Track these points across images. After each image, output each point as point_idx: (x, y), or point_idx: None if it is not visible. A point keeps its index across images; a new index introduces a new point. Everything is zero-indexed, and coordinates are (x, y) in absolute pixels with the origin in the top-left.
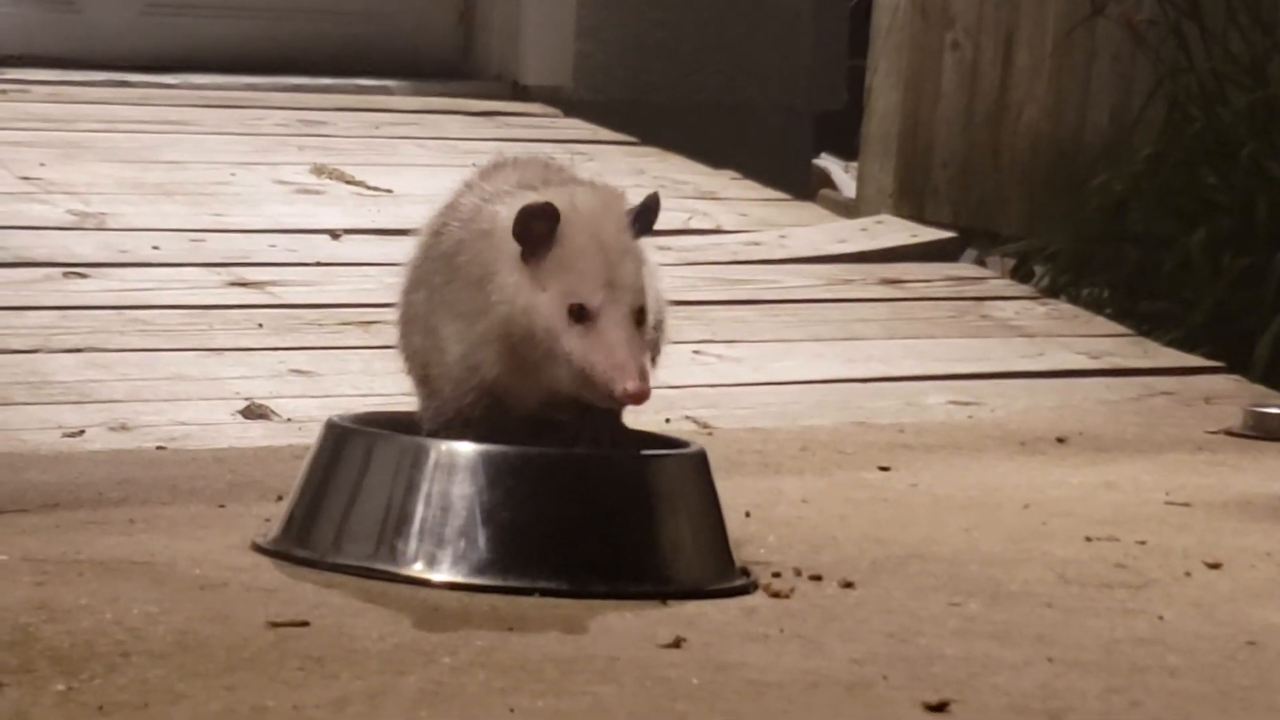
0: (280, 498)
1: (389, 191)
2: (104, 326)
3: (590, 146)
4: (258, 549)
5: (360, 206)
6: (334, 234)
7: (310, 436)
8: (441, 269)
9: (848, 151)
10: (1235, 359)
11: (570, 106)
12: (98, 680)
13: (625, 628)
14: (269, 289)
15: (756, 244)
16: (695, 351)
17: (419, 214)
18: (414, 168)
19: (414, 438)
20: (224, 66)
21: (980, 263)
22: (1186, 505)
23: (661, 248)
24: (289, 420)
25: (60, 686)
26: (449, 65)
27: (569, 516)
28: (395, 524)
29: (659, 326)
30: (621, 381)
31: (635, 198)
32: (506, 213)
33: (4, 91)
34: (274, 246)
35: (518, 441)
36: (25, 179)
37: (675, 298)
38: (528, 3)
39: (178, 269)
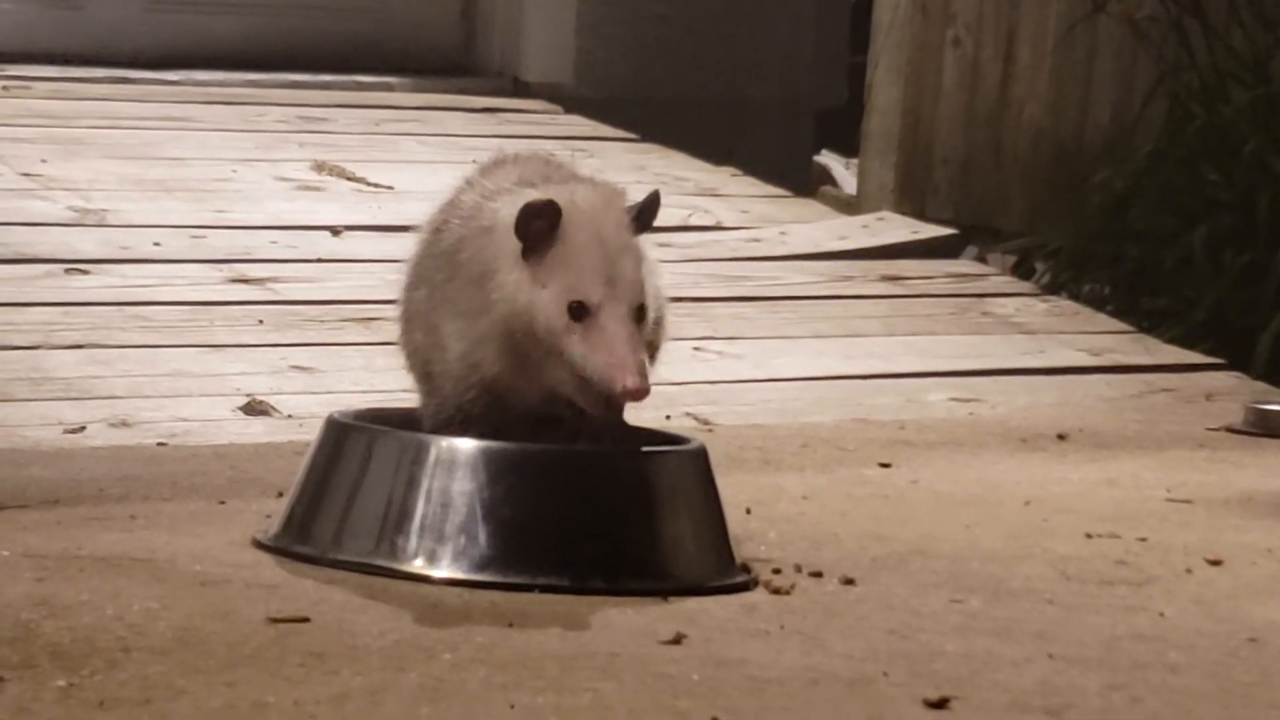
0: (281, 494)
1: (390, 188)
2: (105, 323)
3: (591, 143)
4: (258, 545)
5: (361, 203)
6: (335, 230)
7: (311, 433)
8: (442, 266)
9: (849, 148)
10: (1236, 356)
11: (571, 103)
12: (99, 676)
13: (626, 624)
14: (270, 285)
15: (757, 241)
16: (696, 348)
17: (420, 211)
18: (415, 164)
19: (415, 434)
20: (225, 63)
21: (981, 260)
22: (1187, 502)
23: (662, 244)
24: (290, 417)
25: (61, 682)
26: (450, 62)
27: (569, 513)
28: (396, 520)
29: (659, 323)
30: (621, 380)
31: (636, 194)
32: (507, 210)
33: (6, 88)
34: (275, 243)
35: (518, 438)
36: (26, 175)
37: (676, 294)
38: None
39: (179, 265)
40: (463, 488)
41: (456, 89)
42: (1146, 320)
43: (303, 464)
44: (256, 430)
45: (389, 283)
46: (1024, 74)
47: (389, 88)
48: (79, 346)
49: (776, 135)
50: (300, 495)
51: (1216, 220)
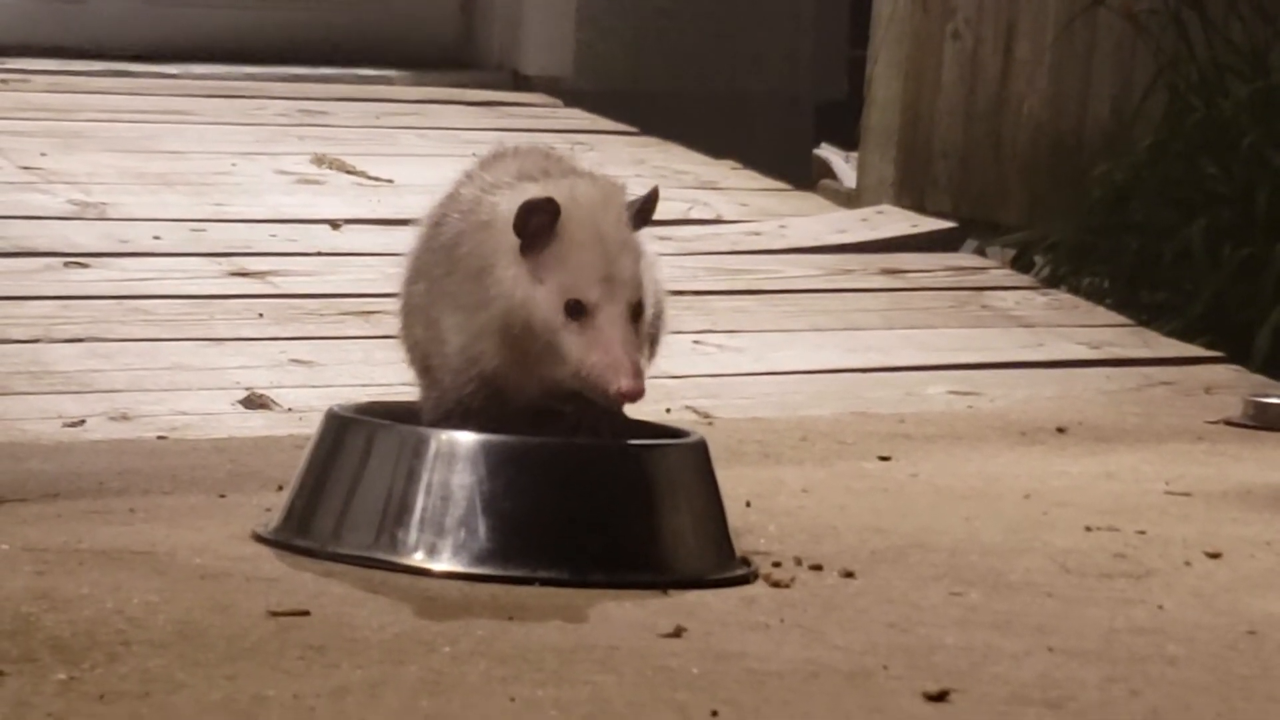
0: (281, 487)
1: (389, 181)
2: (105, 316)
3: (591, 136)
4: (258, 538)
5: (361, 196)
6: (334, 224)
7: (311, 426)
8: (441, 260)
9: (848, 142)
10: (1235, 349)
11: (571, 96)
12: (99, 669)
13: (625, 617)
14: (270, 279)
15: (757, 234)
16: (695, 341)
17: (419, 204)
18: (414, 158)
19: (414, 427)
20: (225, 56)
21: (980, 253)
22: (1186, 495)
23: (662, 238)
24: (289, 410)
25: (61, 675)
26: (449, 55)
27: (569, 506)
28: (396, 514)
29: (658, 317)
30: (616, 380)
31: (635, 187)
32: (506, 205)
33: (5, 81)
34: (275, 236)
35: (518, 431)
36: (26, 169)
37: (675, 288)
38: None
39: (178, 259)
40: (462, 481)
41: (456, 82)
42: (1146, 314)
43: (303, 457)
44: (256, 424)
45: (389, 276)
46: (1023, 68)
47: (388, 81)
48: (79, 340)
49: (776, 129)
50: (300, 489)
51: (1216, 213)
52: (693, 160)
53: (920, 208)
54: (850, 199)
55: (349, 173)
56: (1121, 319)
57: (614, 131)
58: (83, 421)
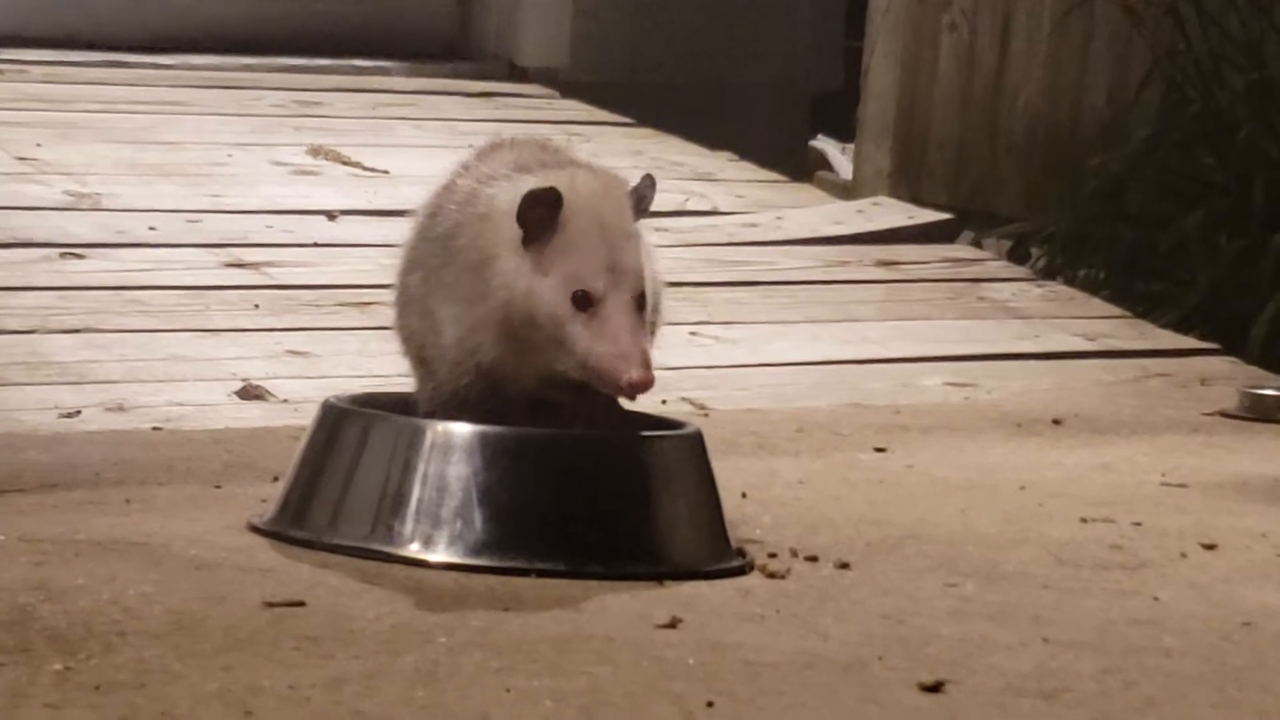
0: (276, 478)
1: (386, 172)
2: (101, 307)
3: (587, 127)
4: (254, 529)
5: (357, 187)
6: (331, 215)
7: (306, 417)
8: (438, 252)
9: (844, 133)
10: (1231, 340)
11: (567, 87)
12: (95, 660)
13: (621, 608)
14: (266, 270)
15: (753, 225)
16: (692, 333)
17: (416, 195)
18: (411, 149)
19: (410, 418)
20: (221, 47)
21: (976, 244)
22: (1182, 486)
23: (658, 229)
24: (285, 401)
25: (57, 666)
26: (446, 46)
27: (565, 497)
28: (391, 505)
29: (655, 309)
30: (627, 371)
31: (632, 179)
32: (505, 196)
33: (1, 72)
34: (271, 227)
35: (514, 422)
36: (22, 159)
37: (671, 279)
38: None
39: (174, 250)
40: (459, 472)
41: (452, 73)
42: (1142, 305)
43: (298, 448)
44: (252, 415)
45: (385, 267)
46: (1020, 59)
47: (385, 72)
48: (75, 331)
49: (772, 120)
50: (296, 480)
51: (1212, 205)
52: (689, 152)
53: (916, 199)
54: (846, 190)
55: (345, 164)
56: (1117, 310)
57: (610, 123)
58: (79, 412)
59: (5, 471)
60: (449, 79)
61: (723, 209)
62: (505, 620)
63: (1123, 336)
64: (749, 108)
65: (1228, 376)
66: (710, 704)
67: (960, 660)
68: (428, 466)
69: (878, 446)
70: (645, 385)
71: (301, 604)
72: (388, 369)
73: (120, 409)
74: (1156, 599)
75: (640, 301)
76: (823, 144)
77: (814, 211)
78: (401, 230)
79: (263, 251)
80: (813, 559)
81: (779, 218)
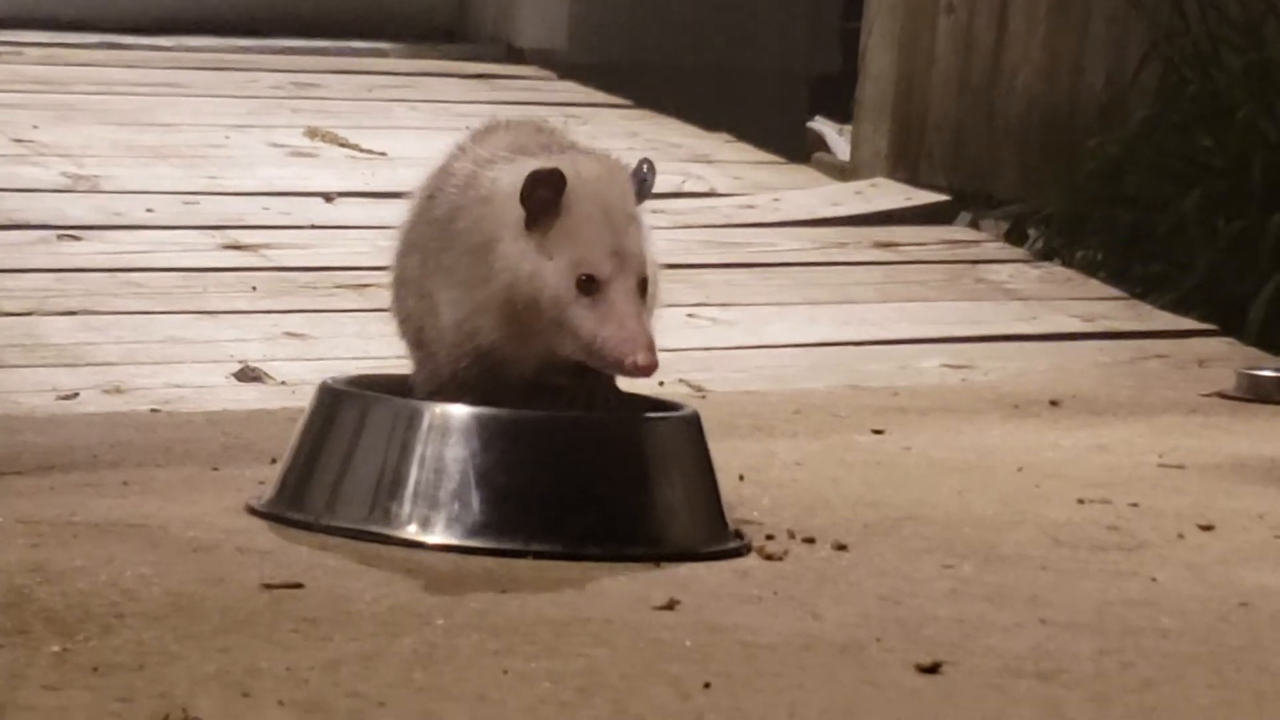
0: (274, 460)
1: (383, 154)
2: (98, 289)
3: (584, 109)
4: (251, 511)
5: (354, 169)
6: (328, 197)
7: (304, 399)
8: (437, 235)
9: (842, 115)
10: (1229, 322)
11: (564, 69)
12: (93, 642)
13: (619, 590)
14: (263, 252)
15: (750, 207)
16: (689, 314)
17: (413, 177)
18: (408, 131)
19: (408, 400)
20: (218, 29)
21: (974, 226)
22: (1179, 468)
23: (655, 211)
24: (283, 383)
25: (55, 648)
26: (443, 28)
27: (563, 479)
28: (389, 487)
29: (652, 293)
30: (632, 354)
31: (629, 161)
32: (507, 179)
33: None
34: (268, 209)
35: (512, 404)
36: (19, 141)
37: (669, 261)
38: None
39: (172, 232)
40: (456, 454)
41: (450, 55)
42: (1139, 286)
43: (296, 430)
44: (250, 397)
45: (382, 249)
46: (1018, 40)
47: (382, 54)
48: (72, 313)
49: (770, 102)
50: (293, 462)
51: (1210, 186)
52: (686, 133)
53: (914, 181)
54: (844, 172)
55: (342, 145)
56: (1115, 292)
57: (608, 104)
58: (76, 394)
59: (2, 453)
60: (446, 61)
61: (720, 190)
62: (503, 602)
63: (1120, 318)
64: (746, 89)
65: (1225, 357)
66: (707, 685)
67: (957, 641)
68: (425, 448)
69: (875, 428)
70: (650, 368)
71: (299, 586)
72: (385, 351)
73: (118, 391)
74: (1154, 580)
75: (643, 285)
76: (820, 125)
77: (811, 193)
78: (399, 212)
79: (260, 233)
80: (810, 540)
81: (776, 199)
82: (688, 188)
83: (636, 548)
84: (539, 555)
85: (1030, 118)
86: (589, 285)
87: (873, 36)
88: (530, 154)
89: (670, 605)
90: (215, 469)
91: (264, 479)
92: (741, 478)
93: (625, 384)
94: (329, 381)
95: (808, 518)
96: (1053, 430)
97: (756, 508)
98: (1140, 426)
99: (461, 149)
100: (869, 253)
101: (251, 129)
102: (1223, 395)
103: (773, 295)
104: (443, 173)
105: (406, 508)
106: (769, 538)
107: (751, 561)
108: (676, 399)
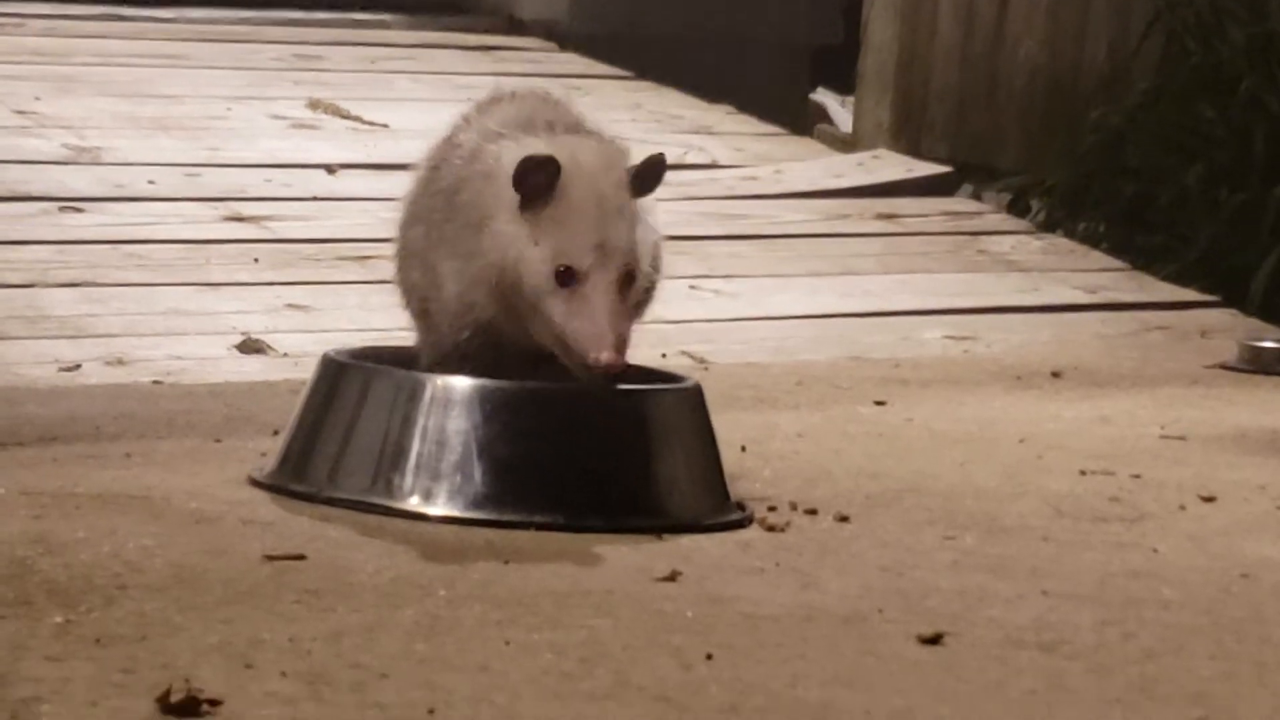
0: (276, 432)
1: (385, 126)
2: (100, 261)
3: (586, 80)
4: (254, 483)
5: (356, 141)
6: (330, 168)
7: (306, 371)
8: (441, 206)
9: (845, 86)
10: (1231, 293)
11: (566, 40)
12: (95, 613)
13: (621, 561)
14: (265, 224)
15: (753, 179)
16: (691, 286)
17: (415, 149)
18: (410, 102)
19: (410, 372)
20: (219, 0)
21: (976, 197)
22: (1181, 439)
23: None
24: (285, 355)
25: (58, 619)
26: None
27: (565, 451)
28: (391, 458)
29: (654, 264)
30: (597, 351)
31: (631, 131)
32: (509, 157)
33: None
34: (270, 181)
35: (514, 376)
36: (20, 113)
37: (671, 233)
38: None
39: (174, 204)
40: (458, 426)
41: (452, 26)
42: (1142, 258)
43: (298, 402)
44: (252, 368)
45: (384, 221)
46: (1020, 10)
47: (384, 25)
48: (74, 285)
49: (772, 73)
50: (296, 433)
51: (1212, 158)
52: (688, 104)
53: (916, 152)
54: (846, 143)
55: (344, 117)
56: (1117, 263)
57: (610, 75)
58: (78, 366)
59: (5, 425)
60: (448, 32)
61: (722, 162)
62: (505, 573)
63: (1122, 289)
64: (749, 61)
65: (1227, 329)
66: (709, 656)
67: (959, 613)
68: (427, 420)
69: (877, 400)
70: (615, 368)
71: (302, 557)
72: (387, 323)
73: (120, 363)
74: (1155, 551)
75: (627, 280)
76: (823, 97)
77: (814, 164)
78: (401, 184)
79: (262, 205)
80: (812, 512)
81: (779, 171)
82: (690, 159)
83: (638, 519)
84: (541, 527)
85: (1032, 89)
86: (567, 277)
87: (875, 7)
88: (538, 130)
89: (672, 576)
90: (217, 441)
91: (266, 451)
92: (743, 449)
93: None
94: (331, 353)
95: (810, 489)
96: (1054, 401)
97: (758, 479)
98: (1142, 398)
99: (466, 119)
100: (871, 224)
101: (253, 101)
102: (1225, 366)
103: (775, 267)
104: (448, 144)
105: (409, 479)
106: (771, 509)
107: (753, 533)
108: (679, 370)
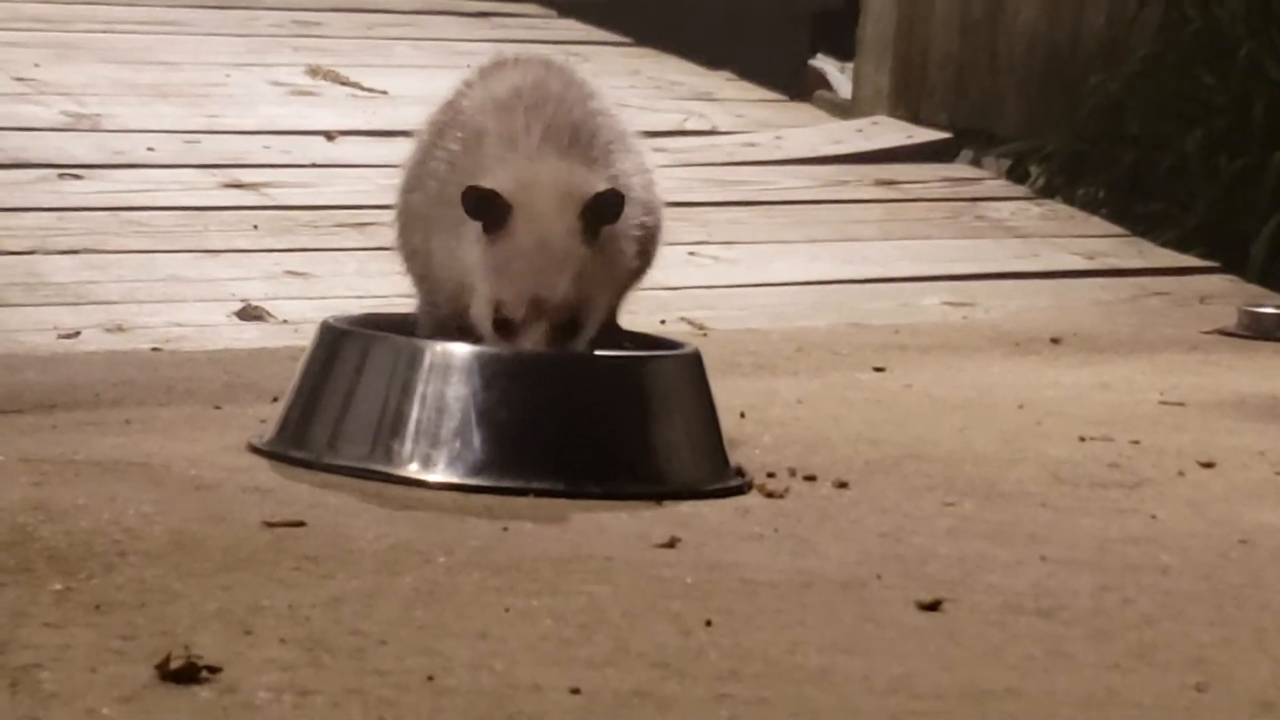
0: (276, 399)
1: (384, 93)
2: (99, 228)
3: (585, 47)
4: (253, 450)
5: (355, 108)
6: (329, 135)
7: (306, 338)
8: (443, 171)
9: (844, 52)
10: (1231, 259)
11: (565, 6)
12: (95, 580)
13: (620, 528)
14: (264, 190)
15: (752, 145)
16: (691, 253)
17: (414, 115)
18: (409, 69)
19: (409, 339)
20: None
21: (976, 164)
22: (1180, 405)
23: (657, 149)
24: (284, 322)
25: (58, 586)
26: None
27: (564, 417)
28: (391, 425)
29: (655, 230)
30: None
31: (630, 98)
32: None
33: None
34: (269, 148)
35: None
36: (20, 80)
37: (671, 199)
38: None
39: (173, 170)
40: (457, 392)
41: None
42: (1141, 224)
43: (297, 369)
44: (251, 335)
45: (384, 188)
46: None
47: None
48: (74, 252)
49: (772, 39)
50: (295, 400)
51: (1211, 124)
52: (688, 71)
53: (915, 118)
54: (845, 110)
55: (343, 84)
56: (1117, 229)
57: (609, 42)
58: (78, 333)
59: (5, 392)
60: None
61: (722, 129)
62: (504, 540)
63: (1122, 255)
64: (748, 27)
65: (1227, 295)
66: (709, 622)
67: (958, 579)
68: (427, 387)
69: (876, 366)
70: None
71: (301, 524)
72: (386, 289)
73: (119, 330)
74: (1154, 517)
75: (566, 330)
76: (822, 63)
77: (813, 131)
78: (400, 151)
79: (261, 172)
80: (811, 478)
81: (778, 137)
82: (689, 126)
83: (637, 485)
84: (540, 493)
85: (1032, 55)
86: (502, 324)
87: None
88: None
89: (671, 543)
90: (217, 407)
91: (265, 417)
92: (743, 415)
93: (626, 321)
94: (330, 320)
95: (809, 455)
96: (1053, 368)
97: (758, 446)
98: (1141, 364)
99: (469, 84)
100: (870, 190)
101: (252, 67)
102: (1224, 332)
103: (774, 233)
104: (450, 109)
105: (408, 446)
106: (770, 475)
107: (752, 499)
108: (678, 337)
